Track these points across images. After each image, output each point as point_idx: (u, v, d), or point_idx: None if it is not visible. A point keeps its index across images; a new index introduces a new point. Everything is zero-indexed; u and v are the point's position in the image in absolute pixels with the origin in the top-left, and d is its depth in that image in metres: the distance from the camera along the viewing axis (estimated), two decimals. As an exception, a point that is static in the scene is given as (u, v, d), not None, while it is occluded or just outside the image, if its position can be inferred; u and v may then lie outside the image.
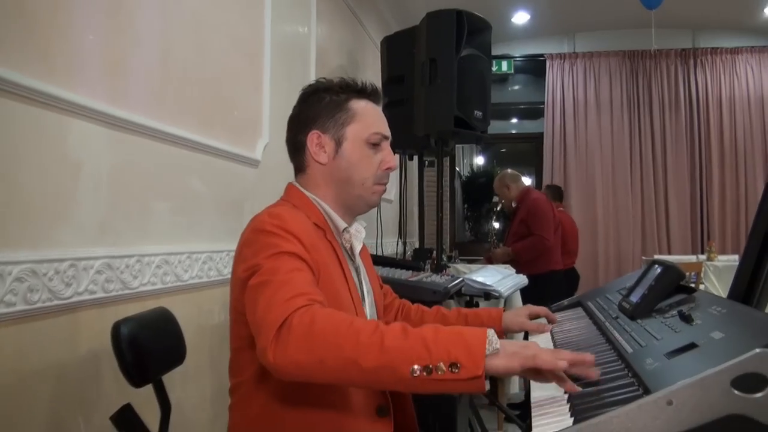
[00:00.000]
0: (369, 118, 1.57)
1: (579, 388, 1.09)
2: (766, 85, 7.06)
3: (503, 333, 1.81)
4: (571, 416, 0.99)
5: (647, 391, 0.94)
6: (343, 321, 1.15)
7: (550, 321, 1.84)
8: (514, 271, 4.13)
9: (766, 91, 7.05)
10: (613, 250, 7.09)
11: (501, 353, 1.08)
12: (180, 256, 2.14)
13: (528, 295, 4.08)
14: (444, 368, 1.05)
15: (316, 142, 1.55)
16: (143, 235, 1.96)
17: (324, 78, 1.65)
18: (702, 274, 4.90)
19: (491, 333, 1.10)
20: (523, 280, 3.94)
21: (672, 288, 1.45)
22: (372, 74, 4.84)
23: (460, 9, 3.60)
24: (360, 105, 1.58)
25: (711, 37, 7.21)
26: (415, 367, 1.06)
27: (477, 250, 6.74)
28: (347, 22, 4.49)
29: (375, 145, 1.57)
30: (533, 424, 1.01)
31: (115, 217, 1.82)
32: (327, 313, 1.17)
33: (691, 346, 1.04)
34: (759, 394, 0.84)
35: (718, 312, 1.19)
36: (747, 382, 0.84)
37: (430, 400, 1.97)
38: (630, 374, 1.09)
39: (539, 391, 1.19)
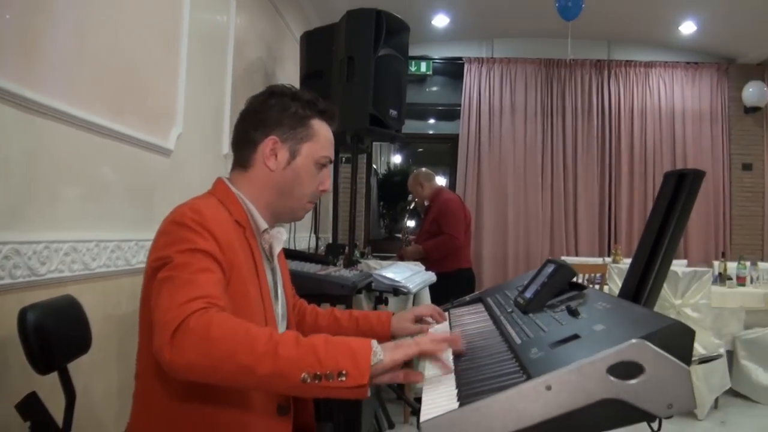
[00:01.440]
0: (324, 140, 1.67)
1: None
2: (677, 98, 7.36)
3: (390, 337, 1.87)
4: (458, 400, 1.06)
5: (530, 378, 1.01)
6: (239, 327, 1.21)
7: (438, 320, 1.91)
8: (423, 268, 4.20)
9: (678, 104, 7.35)
10: (522, 250, 7.25)
11: (385, 354, 1.20)
12: (88, 244, 2.11)
13: (436, 292, 4.16)
14: (333, 376, 1.15)
15: (271, 147, 1.60)
16: (52, 221, 1.93)
17: (291, 85, 1.72)
18: (606, 276, 5.09)
19: (375, 344, 1.21)
20: (431, 277, 4.01)
21: (564, 285, 1.55)
22: (291, 68, 4.84)
23: (380, 9, 3.67)
24: (320, 126, 1.67)
25: (626, 50, 7.45)
26: (305, 375, 1.15)
27: (391, 247, 6.80)
28: (267, 14, 4.48)
29: (321, 166, 1.66)
30: (422, 408, 1.07)
31: (23, 202, 1.79)
32: (223, 318, 1.22)
33: (574, 337, 1.12)
34: (634, 380, 0.93)
35: (603, 307, 1.28)
36: (623, 369, 0.93)
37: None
38: (516, 363, 1.17)
39: (432, 370, 1.30)
